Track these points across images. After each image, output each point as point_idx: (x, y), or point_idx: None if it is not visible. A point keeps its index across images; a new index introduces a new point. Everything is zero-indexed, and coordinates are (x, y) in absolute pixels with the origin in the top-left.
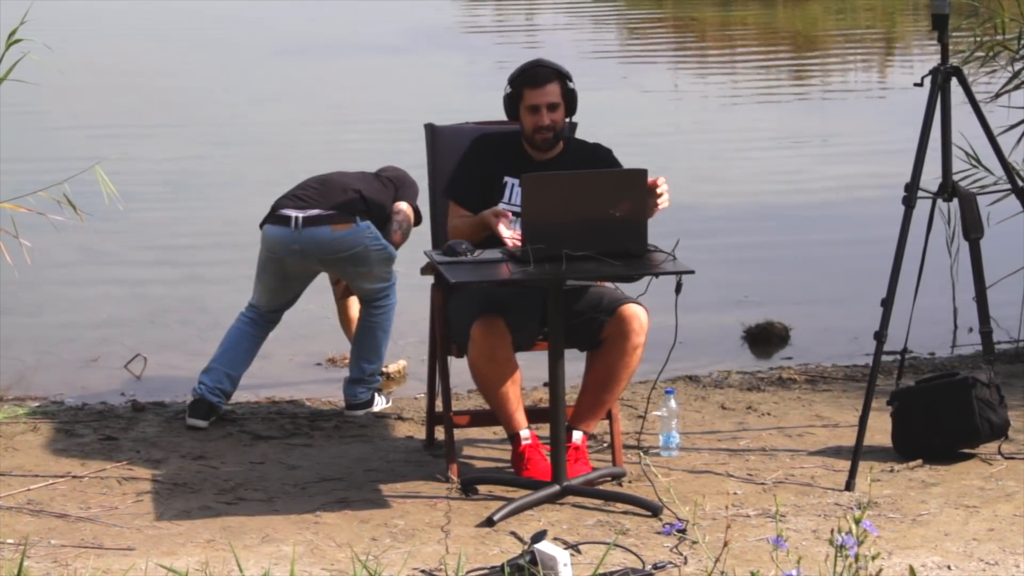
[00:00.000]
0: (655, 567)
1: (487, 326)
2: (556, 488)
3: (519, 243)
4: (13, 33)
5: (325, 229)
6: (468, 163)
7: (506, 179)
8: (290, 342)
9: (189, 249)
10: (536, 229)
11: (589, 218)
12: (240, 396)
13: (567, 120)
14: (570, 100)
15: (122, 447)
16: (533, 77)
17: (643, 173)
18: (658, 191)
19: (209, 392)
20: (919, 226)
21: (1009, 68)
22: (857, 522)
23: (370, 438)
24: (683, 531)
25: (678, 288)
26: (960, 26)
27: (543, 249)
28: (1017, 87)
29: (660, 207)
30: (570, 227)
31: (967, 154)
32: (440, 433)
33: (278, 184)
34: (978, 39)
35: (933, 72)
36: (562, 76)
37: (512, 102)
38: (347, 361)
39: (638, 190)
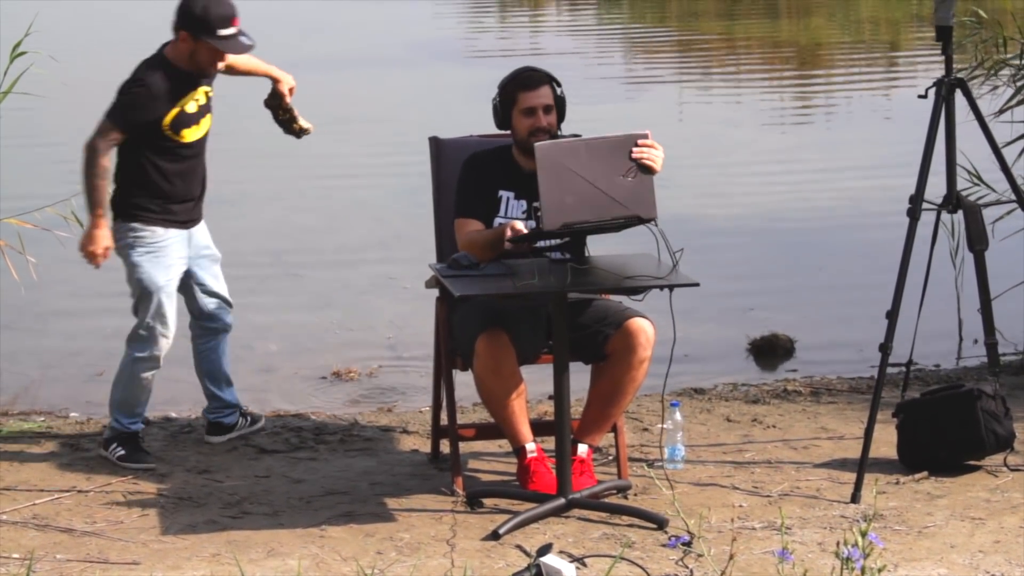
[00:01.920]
0: None
1: (492, 340)
2: (561, 501)
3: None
4: (17, 46)
5: None
6: (467, 180)
7: (501, 193)
8: (295, 356)
9: None
10: (553, 198)
11: (601, 184)
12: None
13: (561, 130)
14: (560, 106)
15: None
16: (527, 80)
17: (645, 136)
18: (642, 144)
19: (206, 413)
20: (924, 238)
21: (1011, 85)
22: (863, 534)
23: (375, 452)
24: (688, 544)
25: (671, 290)
26: (963, 41)
27: (561, 217)
28: (1020, 103)
29: (646, 161)
30: (585, 195)
31: (968, 172)
32: (445, 446)
33: (282, 198)
34: (980, 57)
35: (937, 84)
36: (552, 80)
37: (504, 109)
38: (352, 375)
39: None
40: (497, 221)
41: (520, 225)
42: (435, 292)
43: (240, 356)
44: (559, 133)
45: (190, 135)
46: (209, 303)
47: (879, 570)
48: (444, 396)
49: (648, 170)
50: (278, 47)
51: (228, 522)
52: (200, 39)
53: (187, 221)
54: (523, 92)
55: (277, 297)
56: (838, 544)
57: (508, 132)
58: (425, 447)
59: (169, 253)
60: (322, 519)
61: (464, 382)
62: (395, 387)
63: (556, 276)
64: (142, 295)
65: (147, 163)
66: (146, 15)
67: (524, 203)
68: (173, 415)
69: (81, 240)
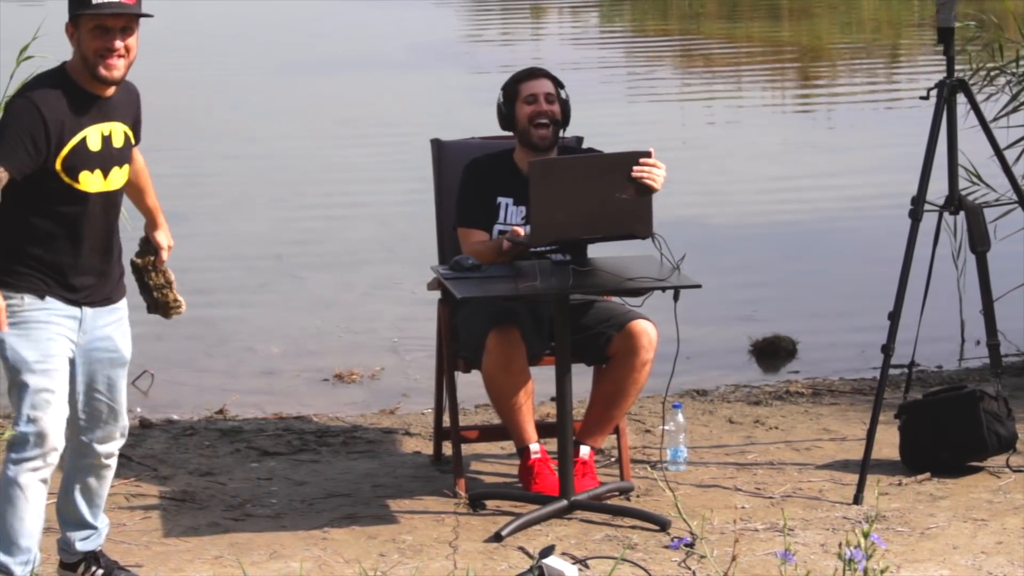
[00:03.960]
0: None
1: (503, 336)
2: (564, 503)
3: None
4: (25, 48)
5: None
6: (467, 189)
7: (500, 199)
8: (297, 358)
9: (196, 266)
10: (544, 215)
11: (596, 202)
12: (247, 412)
13: (564, 131)
14: (564, 108)
15: (130, 464)
16: (529, 73)
17: (647, 155)
18: (643, 163)
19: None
20: (926, 239)
21: (1007, 90)
22: (866, 536)
23: (377, 454)
24: (691, 545)
25: (676, 295)
26: (966, 48)
27: (550, 235)
28: (1016, 109)
29: (646, 180)
30: (577, 212)
31: (967, 171)
32: (448, 448)
33: (284, 200)
34: (975, 65)
35: (939, 85)
36: (556, 80)
37: (507, 104)
38: (354, 377)
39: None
40: (496, 228)
41: (521, 230)
42: (437, 294)
43: (242, 359)
44: (562, 135)
45: (89, 183)
46: (83, 419)
47: (882, 571)
48: (446, 398)
49: (648, 189)
50: (281, 49)
51: (230, 524)
52: (77, 17)
53: (79, 298)
54: (524, 82)
55: (279, 299)
56: (840, 545)
57: (512, 135)
58: (427, 449)
59: (45, 327)
60: (324, 521)
61: (466, 384)
62: (397, 389)
63: (558, 278)
64: (13, 381)
65: (24, 212)
66: (151, 25)
67: (524, 209)
68: (175, 417)
69: None
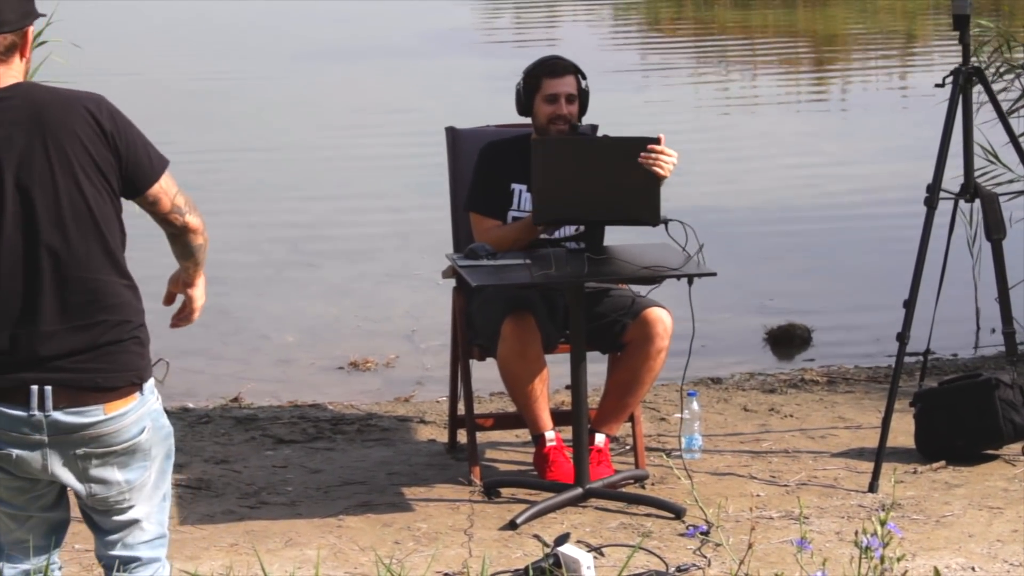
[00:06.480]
0: (678, 569)
1: (518, 323)
2: (579, 491)
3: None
4: (39, 34)
5: (94, 410)
6: (481, 173)
7: (514, 186)
8: (312, 346)
9: (211, 254)
10: (547, 196)
11: (601, 186)
12: (263, 400)
13: (581, 122)
14: (583, 99)
15: None
16: (553, 67)
17: (656, 141)
18: (652, 149)
19: None
20: (941, 227)
21: (1017, 84)
22: (882, 524)
23: (392, 442)
24: (706, 533)
25: (691, 280)
26: (980, 49)
27: (551, 213)
28: None
29: (654, 167)
30: (581, 194)
31: (984, 150)
32: (462, 436)
33: (297, 189)
34: (985, 62)
35: (954, 73)
36: (578, 72)
37: (527, 95)
38: (369, 365)
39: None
40: (510, 214)
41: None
42: (452, 282)
43: (257, 347)
44: (579, 125)
45: None
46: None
47: (898, 559)
48: (461, 386)
49: (656, 175)
50: (296, 38)
51: (246, 512)
52: None
53: None
54: (548, 79)
55: (294, 287)
56: (857, 533)
57: (528, 121)
58: (442, 437)
59: None
60: (340, 509)
61: (481, 372)
62: (412, 377)
63: (573, 266)
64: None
65: None
66: (166, 13)
67: None
68: (191, 405)
69: (200, 297)
